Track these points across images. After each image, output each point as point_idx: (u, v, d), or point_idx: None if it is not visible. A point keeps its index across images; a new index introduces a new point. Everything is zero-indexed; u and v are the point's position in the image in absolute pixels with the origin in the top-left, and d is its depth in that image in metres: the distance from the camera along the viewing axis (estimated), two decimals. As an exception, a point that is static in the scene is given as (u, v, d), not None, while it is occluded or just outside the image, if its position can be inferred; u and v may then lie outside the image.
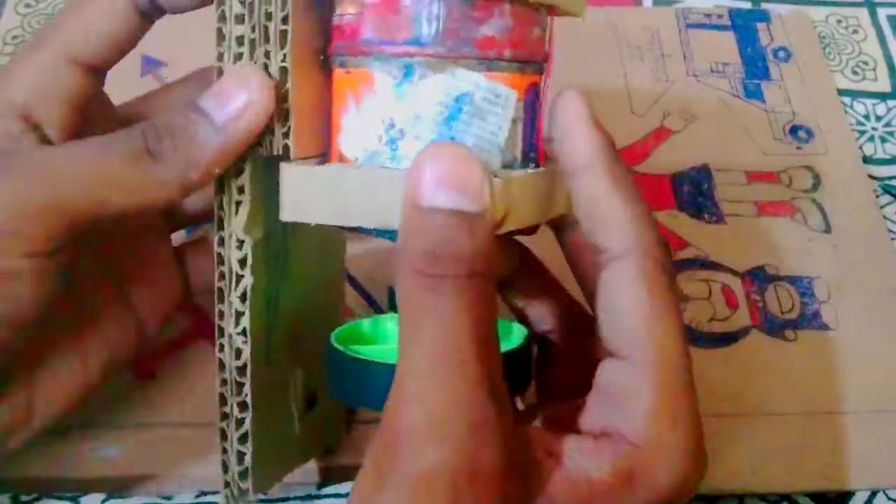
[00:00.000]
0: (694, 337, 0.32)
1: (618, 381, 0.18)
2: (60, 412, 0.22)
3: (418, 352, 0.16)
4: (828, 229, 0.35)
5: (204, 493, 0.27)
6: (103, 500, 0.27)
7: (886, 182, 0.36)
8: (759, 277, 0.34)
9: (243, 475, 0.21)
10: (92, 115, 0.21)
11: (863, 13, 0.42)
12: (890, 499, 0.29)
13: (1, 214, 0.18)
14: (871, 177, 0.36)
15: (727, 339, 0.32)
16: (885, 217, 0.35)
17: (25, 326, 0.19)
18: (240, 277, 0.19)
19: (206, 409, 0.28)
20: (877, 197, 0.36)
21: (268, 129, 0.18)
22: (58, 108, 0.20)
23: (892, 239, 0.34)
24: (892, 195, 0.36)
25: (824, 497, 0.29)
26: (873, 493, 0.29)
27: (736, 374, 0.31)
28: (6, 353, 0.19)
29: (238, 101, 0.18)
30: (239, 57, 0.18)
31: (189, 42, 0.35)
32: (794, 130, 0.37)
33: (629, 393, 0.17)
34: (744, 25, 0.40)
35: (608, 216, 0.18)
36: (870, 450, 0.30)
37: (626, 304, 0.18)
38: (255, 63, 0.18)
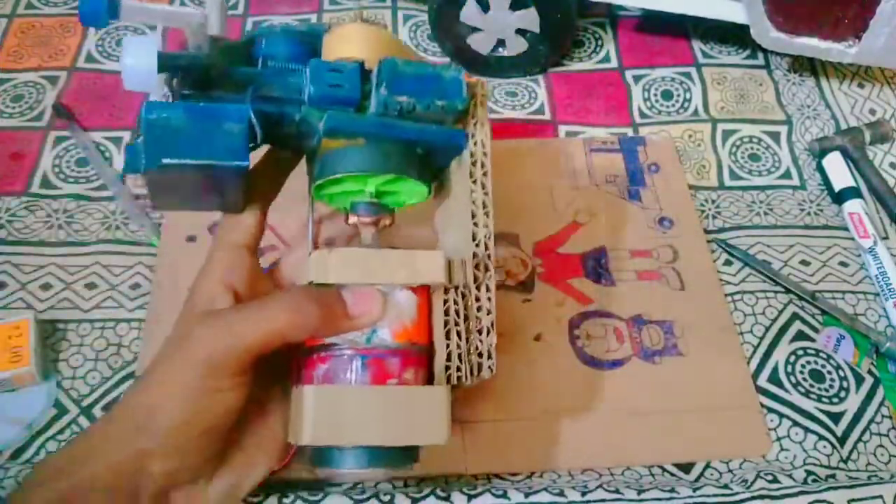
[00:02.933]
0: (595, 363, 0.43)
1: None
2: (252, 488, 0.32)
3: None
4: (682, 287, 0.47)
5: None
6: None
7: (716, 237, 0.50)
8: (637, 322, 0.45)
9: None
10: (255, 278, 0.33)
11: (706, 127, 0.56)
12: (713, 468, 0.40)
13: (213, 353, 0.28)
14: (706, 232, 0.49)
15: (617, 364, 0.44)
16: (718, 271, 0.48)
17: (226, 422, 0.29)
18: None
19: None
20: (712, 252, 0.49)
21: None
22: (243, 274, 0.31)
23: (726, 295, 0.47)
24: (719, 245, 0.49)
25: (677, 465, 0.40)
26: (707, 464, 0.40)
27: (623, 387, 0.43)
28: (215, 441, 0.29)
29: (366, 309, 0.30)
30: None
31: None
32: (661, 221, 0.50)
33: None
34: (628, 149, 0.53)
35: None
36: (707, 433, 0.41)
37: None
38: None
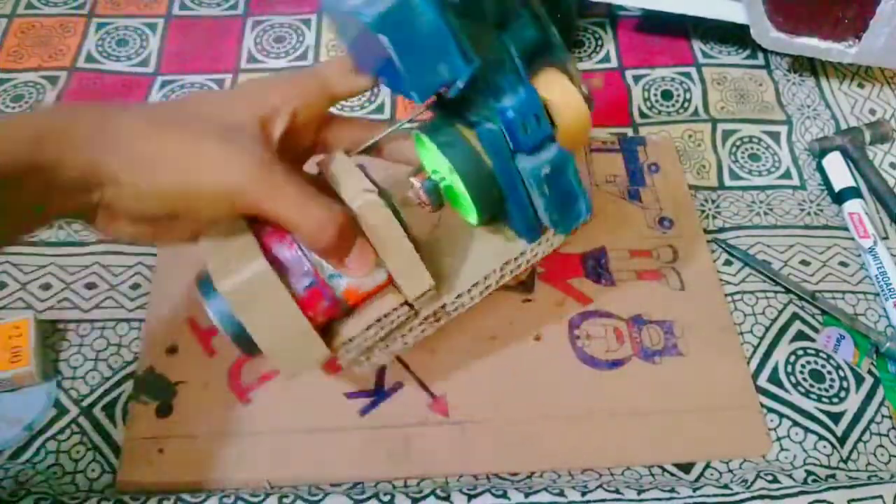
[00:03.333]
0: (595, 363, 0.43)
1: None
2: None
3: None
4: (682, 287, 0.47)
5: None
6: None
7: (716, 237, 0.50)
8: (637, 322, 0.45)
9: None
10: (314, 120, 0.34)
11: (706, 127, 0.56)
12: (713, 468, 0.40)
13: (237, 190, 0.29)
14: (706, 232, 0.49)
15: (617, 364, 0.44)
16: (718, 271, 0.48)
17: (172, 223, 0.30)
18: None
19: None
20: (712, 252, 0.49)
21: None
22: (311, 113, 0.33)
23: (726, 295, 0.47)
24: (718, 245, 0.49)
25: (677, 465, 0.40)
26: (707, 464, 0.40)
27: (623, 387, 0.43)
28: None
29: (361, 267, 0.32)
30: None
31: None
32: (661, 221, 0.50)
33: None
34: (628, 149, 0.53)
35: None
36: (707, 433, 0.41)
37: None
38: None
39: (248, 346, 0.32)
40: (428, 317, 0.36)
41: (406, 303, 0.34)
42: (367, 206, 0.32)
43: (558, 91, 0.33)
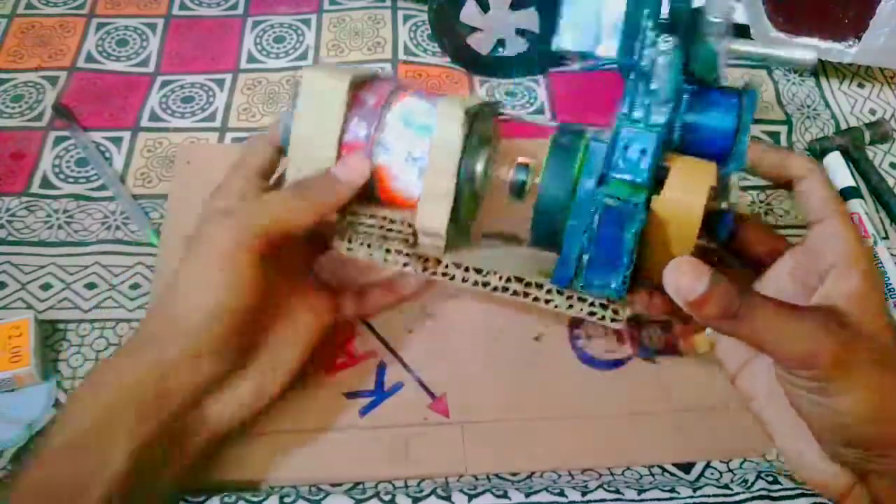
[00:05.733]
0: (595, 363, 0.43)
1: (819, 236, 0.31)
2: (280, 389, 0.35)
3: None
4: (683, 288, 0.49)
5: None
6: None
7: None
8: (637, 322, 0.45)
9: None
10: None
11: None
12: (713, 467, 0.40)
13: (223, 247, 0.31)
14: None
15: (617, 364, 0.44)
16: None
17: (246, 312, 0.32)
18: None
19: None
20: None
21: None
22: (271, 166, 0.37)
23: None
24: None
25: (677, 465, 0.40)
26: (707, 464, 0.40)
27: (623, 387, 0.43)
28: (238, 336, 0.32)
29: (354, 172, 0.34)
30: None
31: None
32: (661, 221, 0.52)
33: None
34: (628, 148, 0.55)
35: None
36: (707, 433, 0.41)
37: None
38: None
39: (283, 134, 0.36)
40: (421, 256, 0.37)
41: (412, 227, 0.37)
42: (442, 140, 0.34)
43: (689, 182, 0.31)
